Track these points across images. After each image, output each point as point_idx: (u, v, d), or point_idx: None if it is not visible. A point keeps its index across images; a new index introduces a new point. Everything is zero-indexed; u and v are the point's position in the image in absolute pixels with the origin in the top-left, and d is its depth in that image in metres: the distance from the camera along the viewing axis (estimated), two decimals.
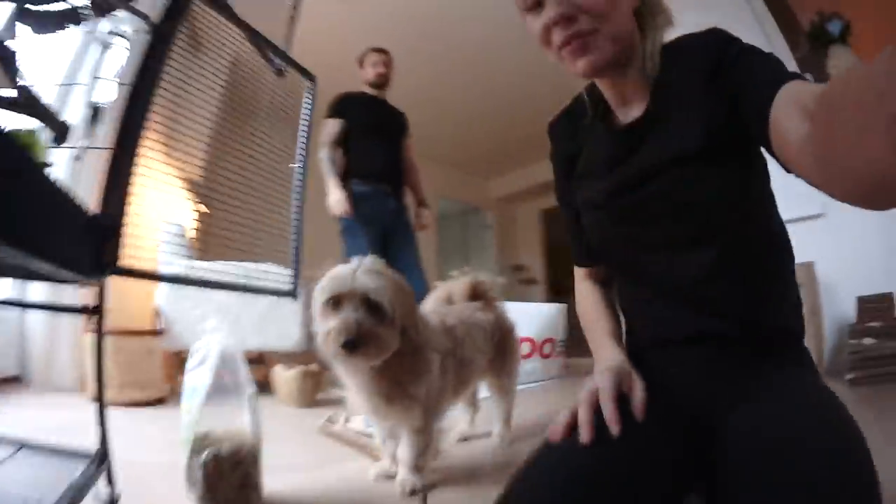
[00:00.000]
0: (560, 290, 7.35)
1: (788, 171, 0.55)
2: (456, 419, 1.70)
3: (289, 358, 2.76)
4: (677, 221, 0.71)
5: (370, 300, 0.99)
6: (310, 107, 1.66)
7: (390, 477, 1.25)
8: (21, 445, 0.94)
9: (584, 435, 0.60)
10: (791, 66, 2.48)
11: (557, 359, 3.24)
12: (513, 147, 6.35)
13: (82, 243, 0.78)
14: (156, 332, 2.44)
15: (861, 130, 0.29)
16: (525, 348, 2.98)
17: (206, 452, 0.96)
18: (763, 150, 0.63)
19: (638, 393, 0.67)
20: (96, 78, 0.82)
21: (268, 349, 2.75)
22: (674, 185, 0.70)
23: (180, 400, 1.02)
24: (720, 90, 0.66)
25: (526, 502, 0.56)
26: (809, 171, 0.47)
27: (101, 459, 0.87)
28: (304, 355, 2.90)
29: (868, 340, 2.01)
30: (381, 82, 2.76)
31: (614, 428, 0.60)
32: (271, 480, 1.05)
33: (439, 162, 6.72)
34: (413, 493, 1.13)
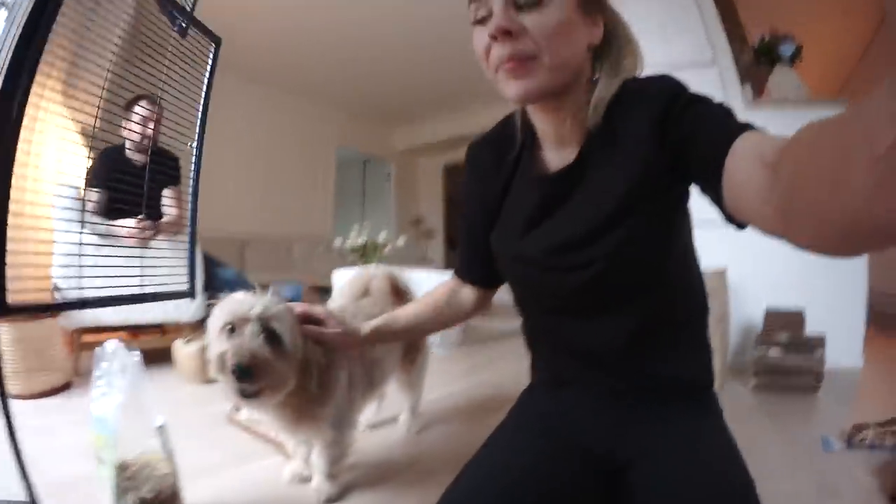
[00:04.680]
0: (457, 243, 7.91)
1: (739, 224, 0.57)
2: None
3: (188, 329, 2.73)
4: (605, 285, 0.74)
5: (270, 329, 0.96)
6: (211, 72, 1.62)
7: (304, 479, 1.32)
8: None
9: None
10: (732, 74, 2.66)
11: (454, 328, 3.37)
12: (419, 100, 6.42)
13: None
14: (57, 311, 2.30)
15: (839, 176, 0.28)
16: None
17: (129, 497, 0.96)
18: (711, 203, 0.61)
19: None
20: None
21: (165, 321, 2.69)
22: (608, 246, 0.71)
23: (84, 382, 0.98)
24: (665, 141, 0.66)
25: None
26: (771, 222, 0.46)
27: None
28: (202, 324, 2.86)
29: (774, 351, 2.25)
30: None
31: None
32: (185, 486, 1.09)
33: (341, 109, 6.73)
34: (329, 501, 1.21)
